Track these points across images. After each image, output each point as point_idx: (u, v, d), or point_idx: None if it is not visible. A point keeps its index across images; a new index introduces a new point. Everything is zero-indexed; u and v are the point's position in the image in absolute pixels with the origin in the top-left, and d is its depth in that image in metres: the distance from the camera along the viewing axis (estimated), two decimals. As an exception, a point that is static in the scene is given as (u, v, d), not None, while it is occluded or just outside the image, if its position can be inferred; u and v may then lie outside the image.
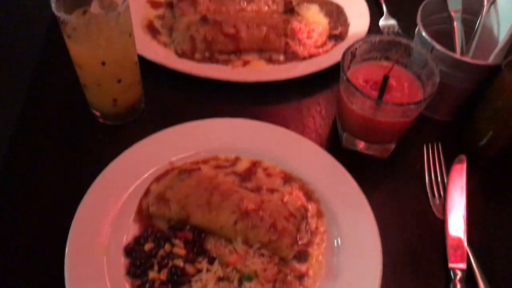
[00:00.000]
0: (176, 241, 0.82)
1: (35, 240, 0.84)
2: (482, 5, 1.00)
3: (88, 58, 0.88)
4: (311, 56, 1.13)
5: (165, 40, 1.15)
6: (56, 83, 1.07)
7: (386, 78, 0.86)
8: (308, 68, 1.09)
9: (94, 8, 0.87)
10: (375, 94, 0.89)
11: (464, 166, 0.95)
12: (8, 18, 1.19)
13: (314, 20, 1.22)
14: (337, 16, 1.23)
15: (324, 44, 1.17)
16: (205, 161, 0.94)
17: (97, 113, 1.00)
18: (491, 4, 1.00)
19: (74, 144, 0.97)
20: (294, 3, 1.25)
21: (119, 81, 0.92)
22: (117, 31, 0.86)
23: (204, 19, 1.12)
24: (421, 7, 1.00)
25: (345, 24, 1.22)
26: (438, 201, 0.93)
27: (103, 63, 0.87)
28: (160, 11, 1.22)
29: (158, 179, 0.91)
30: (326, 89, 1.10)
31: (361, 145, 0.98)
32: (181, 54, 1.11)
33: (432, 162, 0.97)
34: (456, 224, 0.89)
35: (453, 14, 1.03)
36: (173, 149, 0.94)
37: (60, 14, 0.81)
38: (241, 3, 1.20)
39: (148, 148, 0.93)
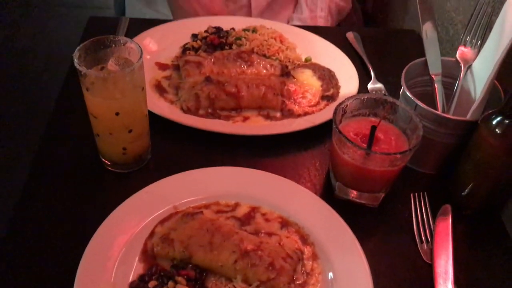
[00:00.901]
0: (179, 278, 0.86)
1: (45, 278, 0.88)
2: (459, 69, 1.11)
3: (103, 108, 0.96)
4: (305, 113, 1.22)
5: (171, 98, 1.24)
6: (68, 133, 1.15)
7: (374, 128, 0.95)
8: (303, 124, 1.18)
9: (111, 65, 0.97)
10: (364, 145, 0.97)
11: (449, 215, 1.01)
12: (27, 71, 1.29)
13: (308, 82, 1.32)
14: (329, 79, 1.33)
15: (317, 103, 1.26)
16: (206, 206, 1.00)
17: (107, 161, 1.07)
18: (467, 69, 1.11)
19: (84, 189, 1.03)
20: (290, 67, 1.37)
21: (130, 131, 1.00)
22: (131, 85, 0.95)
23: (208, 80, 1.22)
24: (404, 70, 1.11)
25: (336, 86, 1.32)
26: (426, 247, 0.98)
27: (117, 114, 0.95)
28: (167, 72, 1.33)
29: (162, 222, 0.96)
30: (320, 144, 1.18)
31: (353, 194, 1.04)
32: (186, 110, 1.19)
33: (419, 210, 1.04)
34: (444, 269, 0.93)
35: (434, 77, 1.13)
36: (177, 195, 1.00)
37: (82, 69, 0.90)
38: (242, 66, 1.31)
39: (153, 193, 0.99)
